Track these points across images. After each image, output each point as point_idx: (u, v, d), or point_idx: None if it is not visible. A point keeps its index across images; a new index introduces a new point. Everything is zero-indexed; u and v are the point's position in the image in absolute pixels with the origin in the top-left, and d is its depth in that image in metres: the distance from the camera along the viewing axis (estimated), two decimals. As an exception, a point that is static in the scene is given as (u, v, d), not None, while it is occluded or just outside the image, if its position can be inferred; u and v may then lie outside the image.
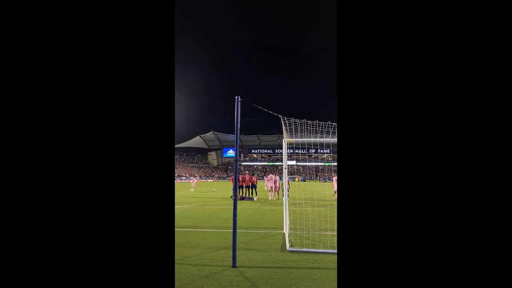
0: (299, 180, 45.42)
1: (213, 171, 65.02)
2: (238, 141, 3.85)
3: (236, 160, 3.75)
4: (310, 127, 4.94)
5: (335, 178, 14.39)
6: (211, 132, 68.99)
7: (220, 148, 74.81)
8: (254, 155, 75.32)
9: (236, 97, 3.76)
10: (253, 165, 70.63)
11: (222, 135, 70.17)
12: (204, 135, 70.70)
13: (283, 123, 4.81)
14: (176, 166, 58.09)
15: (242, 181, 13.22)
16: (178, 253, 3.97)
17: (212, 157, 77.58)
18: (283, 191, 9.61)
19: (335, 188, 13.06)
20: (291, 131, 5.13)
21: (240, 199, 12.21)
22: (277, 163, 63.89)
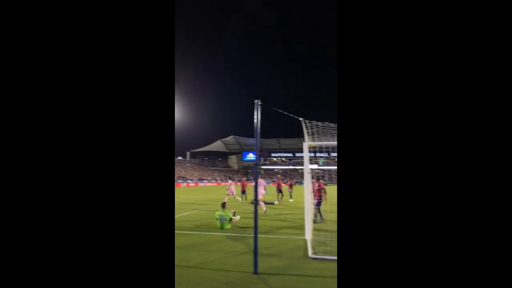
0: (320, 184, 44.15)
1: (233, 175, 65.58)
2: (258, 145, 3.82)
3: (256, 164, 3.72)
4: (334, 130, 4.79)
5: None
6: (231, 136, 69.88)
7: (240, 152, 75.46)
8: (274, 158, 74.99)
9: (256, 101, 3.74)
10: (272, 169, 70.27)
11: (242, 139, 70.81)
12: (224, 139, 71.76)
13: (304, 126, 4.71)
14: (198, 169, 59.31)
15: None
16: (200, 257, 4.00)
17: (233, 160, 78.38)
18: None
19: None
20: (312, 134, 5.01)
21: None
22: (298, 167, 63.02)
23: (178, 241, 5.03)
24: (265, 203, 12.34)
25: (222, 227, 6.21)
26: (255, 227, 3.58)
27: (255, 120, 3.68)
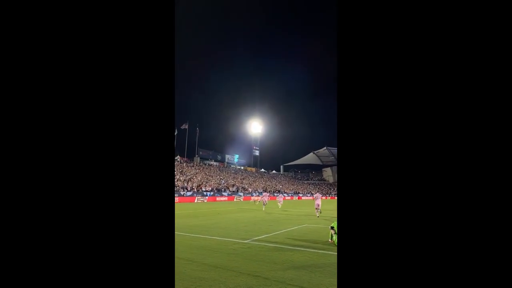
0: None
1: (329, 188, 62.15)
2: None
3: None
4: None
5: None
6: (324, 148, 67.26)
7: (335, 164, 71.33)
8: (375, 170, 66.87)
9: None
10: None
11: (336, 150, 66.91)
12: (317, 151, 69.85)
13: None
14: (292, 183, 59.55)
15: None
16: (327, 281, 3.53)
17: (328, 173, 74.91)
18: None
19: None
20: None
21: None
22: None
23: (299, 259, 4.75)
24: None
25: None
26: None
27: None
